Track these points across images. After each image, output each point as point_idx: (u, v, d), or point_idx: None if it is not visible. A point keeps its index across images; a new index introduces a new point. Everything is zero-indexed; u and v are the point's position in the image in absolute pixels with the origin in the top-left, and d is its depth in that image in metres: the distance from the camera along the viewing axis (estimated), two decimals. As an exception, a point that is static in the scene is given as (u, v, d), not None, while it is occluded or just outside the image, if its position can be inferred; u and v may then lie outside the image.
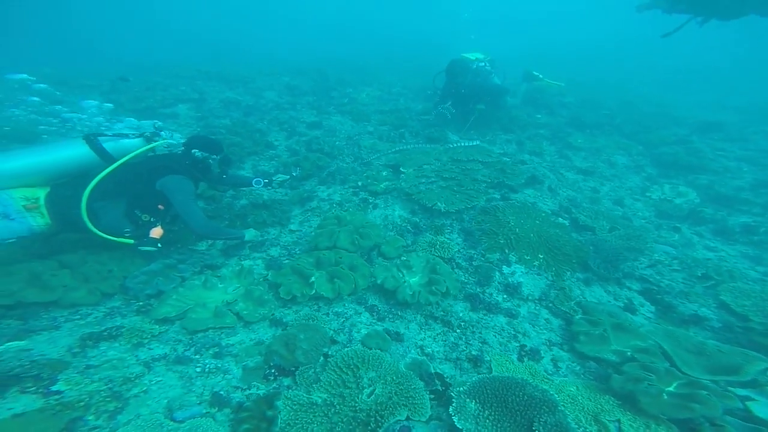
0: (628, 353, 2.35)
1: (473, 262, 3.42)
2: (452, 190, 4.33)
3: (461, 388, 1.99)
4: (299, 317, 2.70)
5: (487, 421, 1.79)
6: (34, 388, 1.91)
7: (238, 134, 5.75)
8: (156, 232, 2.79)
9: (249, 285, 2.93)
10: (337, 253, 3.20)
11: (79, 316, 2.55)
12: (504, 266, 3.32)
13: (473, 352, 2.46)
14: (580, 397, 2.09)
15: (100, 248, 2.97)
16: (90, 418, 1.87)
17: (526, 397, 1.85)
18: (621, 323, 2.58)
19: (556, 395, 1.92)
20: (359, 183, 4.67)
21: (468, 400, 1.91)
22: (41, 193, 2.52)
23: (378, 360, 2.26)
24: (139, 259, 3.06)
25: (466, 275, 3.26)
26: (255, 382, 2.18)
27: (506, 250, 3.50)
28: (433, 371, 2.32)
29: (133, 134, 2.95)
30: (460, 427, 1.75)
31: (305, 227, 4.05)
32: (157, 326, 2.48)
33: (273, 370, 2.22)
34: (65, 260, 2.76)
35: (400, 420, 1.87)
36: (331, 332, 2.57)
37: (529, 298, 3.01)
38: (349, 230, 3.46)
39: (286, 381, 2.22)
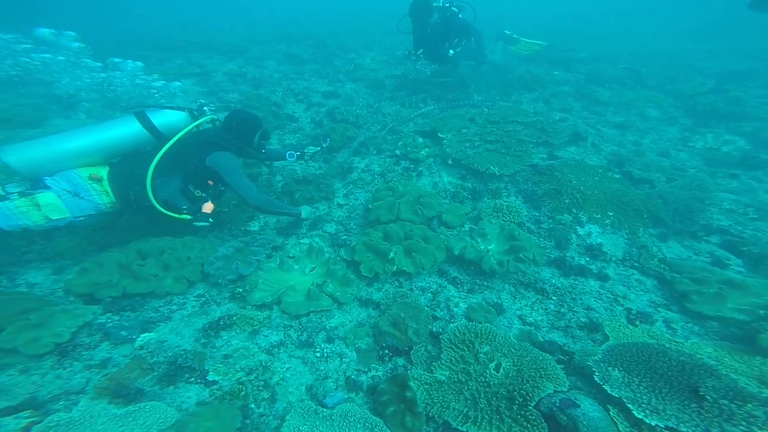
0: (760, 312, 2.26)
1: (542, 225, 3.28)
2: (500, 153, 4.12)
3: (595, 357, 1.88)
4: (387, 295, 2.57)
5: (641, 387, 1.70)
6: (193, 379, 1.95)
7: (255, 108, 5.30)
8: (208, 206, 2.73)
9: (325, 264, 2.77)
10: (403, 226, 3.00)
11: (176, 306, 2.49)
12: (577, 227, 3.19)
13: (582, 319, 2.36)
14: (727, 359, 2.01)
15: (162, 233, 2.95)
16: (252, 406, 1.87)
17: (674, 362, 1.76)
18: (731, 280, 2.49)
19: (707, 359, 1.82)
20: (397, 152, 4.40)
21: (609, 368, 1.80)
22: (104, 172, 2.55)
23: (489, 333, 2.15)
24: (209, 244, 2.93)
25: (541, 239, 3.12)
26: (373, 364, 2.11)
27: (574, 210, 3.36)
28: (542, 340, 2.21)
29: (177, 107, 2.84)
30: (618, 396, 1.65)
31: (351, 200, 3.82)
32: (259, 312, 2.39)
33: (387, 351, 2.14)
34: (142, 249, 2.70)
35: (554, 393, 1.75)
36: (427, 308, 2.42)
37: (612, 259, 2.91)
38: (408, 201, 3.25)
39: (401, 361, 2.14)
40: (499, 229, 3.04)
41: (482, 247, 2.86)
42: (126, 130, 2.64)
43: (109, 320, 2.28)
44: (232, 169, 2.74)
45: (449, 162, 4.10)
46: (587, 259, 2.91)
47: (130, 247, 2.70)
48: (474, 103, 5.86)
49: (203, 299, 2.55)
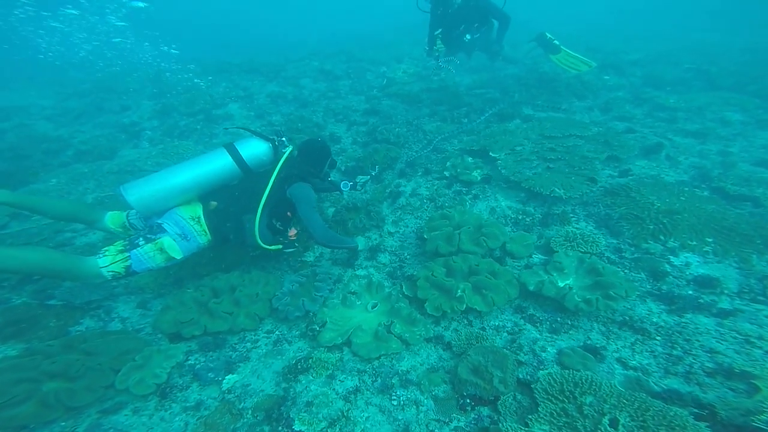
0: None
1: (625, 255, 2.87)
2: (563, 172, 3.73)
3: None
4: (459, 336, 2.34)
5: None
6: (281, 428, 1.92)
7: (299, 130, 5.29)
8: (292, 233, 2.86)
9: (387, 300, 2.60)
10: (466, 259, 2.73)
11: (250, 343, 2.54)
12: (670, 256, 2.75)
13: (707, 364, 1.97)
14: None
15: (229, 264, 3.13)
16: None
17: None
18: None
19: None
20: (446, 173, 4.13)
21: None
22: (200, 211, 2.67)
23: (591, 382, 1.83)
24: (273, 279, 2.95)
25: (628, 272, 2.71)
26: (454, 414, 1.92)
27: (662, 237, 2.92)
28: (658, 389, 1.86)
29: (260, 134, 2.90)
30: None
31: (401, 227, 3.59)
32: (331, 354, 2.32)
33: (468, 400, 1.94)
34: (215, 286, 2.78)
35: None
36: (509, 352, 2.12)
37: (725, 292, 2.45)
38: (469, 231, 2.97)
39: (485, 411, 1.91)
40: (577, 261, 2.67)
41: (561, 284, 2.51)
42: (218, 164, 2.69)
43: (196, 361, 2.39)
44: (307, 202, 2.77)
45: (505, 184, 3.77)
46: (691, 293, 2.47)
47: (204, 284, 2.81)
48: (524, 116, 5.50)
49: (274, 336, 2.58)
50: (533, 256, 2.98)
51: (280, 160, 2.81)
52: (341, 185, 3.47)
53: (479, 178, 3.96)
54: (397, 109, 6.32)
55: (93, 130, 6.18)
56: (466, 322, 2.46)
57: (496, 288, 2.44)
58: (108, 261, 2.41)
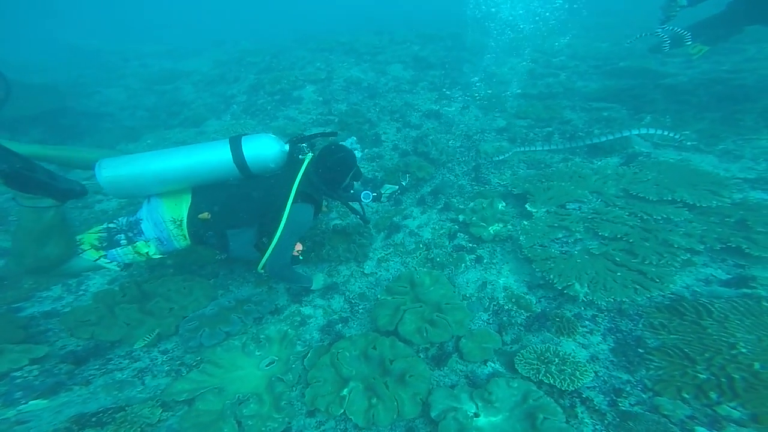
0: None
1: (620, 404, 1.93)
2: (612, 262, 2.63)
3: None
4: None
5: None
6: None
7: (348, 125, 5.12)
8: (297, 246, 2.60)
9: (285, 365, 2.38)
10: (393, 347, 2.26)
11: (113, 365, 2.42)
12: (701, 429, 1.73)
13: None
14: None
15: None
16: None
17: None
18: None
19: None
20: (461, 217, 3.42)
21: None
22: (184, 215, 2.41)
23: None
24: (207, 294, 2.88)
25: (603, 445, 1.83)
26: None
27: (711, 394, 1.83)
28: None
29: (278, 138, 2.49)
30: None
31: (382, 270, 3.19)
32: (162, 410, 2.10)
33: None
34: (145, 289, 2.78)
35: None
36: None
37: None
38: (418, 312, 2.44)
39: None
40: (521, 397, 1.92)
41: (479, 421, 1.86)
42: (214, 158, 2.31)
43: (28, 373, 2.18)
44: (293, 227, 2.40)
45: (522, 255, 2.90)
46: None
47: (130, 284, 2.76)
48: (629, 153, 3.99)
49: (145, 361, 2.44)
50: (488, 363, 2.28)
51: (297, 169, 2.43)
52: (362, 196, 2.95)
53: (493, 235, 3.15)
54: (468, 115, 5.46)
55: (207, 98, 7.34)
56: (341, 429, 2.06)
57: (389, 400, 1.96)
58: (94, 256, 2.36)
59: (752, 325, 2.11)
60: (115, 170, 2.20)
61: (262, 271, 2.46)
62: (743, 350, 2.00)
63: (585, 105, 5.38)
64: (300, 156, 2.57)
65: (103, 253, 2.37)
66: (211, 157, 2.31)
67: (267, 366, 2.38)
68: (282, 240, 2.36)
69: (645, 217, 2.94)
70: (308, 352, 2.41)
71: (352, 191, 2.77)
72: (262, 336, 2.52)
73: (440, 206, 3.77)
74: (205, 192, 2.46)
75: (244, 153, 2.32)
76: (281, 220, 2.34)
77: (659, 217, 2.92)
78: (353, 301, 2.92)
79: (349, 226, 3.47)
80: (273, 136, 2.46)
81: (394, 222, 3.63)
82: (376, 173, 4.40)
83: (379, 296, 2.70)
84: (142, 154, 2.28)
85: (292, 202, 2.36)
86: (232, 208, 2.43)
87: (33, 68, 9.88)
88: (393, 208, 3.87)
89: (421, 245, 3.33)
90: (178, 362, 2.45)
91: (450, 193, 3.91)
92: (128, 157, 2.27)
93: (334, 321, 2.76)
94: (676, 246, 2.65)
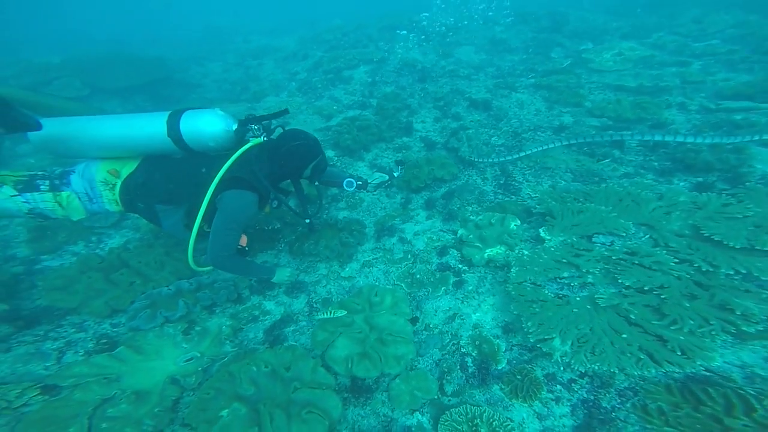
0: None
1: None
2: (623, 318, 1.93)
3: None
4: None
5: None
6: None
7: (385, 110, 4.76)
8: (243, 240, 2.41)
9: (199, 363, 2.23)
10: (314, 372, 1.99)
11: (56, 334, 2.37)
12: None
13: None
14: None
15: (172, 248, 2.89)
16: None
17: None
18: None
19: None
20: (459, 231, 2.91)
21: None
22: (125, 171, 2.32)
23: None
24: (183, 271, 2.74)
25: None
26: None
27: None
28: None
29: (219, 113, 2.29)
30: None
31: (362, 278, 2.88)
32: (38, 394, 1.94)
33: None
34: (125, 258, 2.73)
35: None
36: None
37: None
38: (355, 337, 2.13)
39: None
40: None
41: None
42: (149, 129, 2.20)
43: None
44: (230, 215, 2.22)
45: (511, 290, 2.32)
46: None
47: (120, 252, 2.76)
48: (742, 171, 2.88)
49: (75, 341, 2.34)
50: (416, 414, 1.91)
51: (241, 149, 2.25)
52: (344, 184, 2.76)
53: (486, 260, 2.60)
54: (527, 109, 4.59)
55: (277, 74, 7.72)
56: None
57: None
58: (10, 192, 2.18)
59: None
60: (50, 129, 2.15)
61: (195, 266, 2.32)
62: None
63: (709, 104, 4.02)
64: (249, 138, 2.35)
65: (17, 193, 2.21)
66: (145, 127, 2.20)
67: (185, 362, 2.23)
68: (218, 228, 2.18)
69: (706, 269, 2.04)
70: (227, 356, 2.27)
71: (291, 190, 2.54)
72: (197, 328, 2.40)
73: (445, 214, 3.27)
74: (151, 162, 2.34)
75: (181, 128, 2.17)
76: (202, 205, 2.16)
77: (731, 271, 2.00)
78: (314, 305, 2.73)
79: (343, 221, 3.26)
80: (221, 113, 2.24)
81: (394, 224, 3.29)
82: (390, 166, 4.02)
83: (330, 309, 2.45)
84: (81, 118, 2.23)
85: (228, 188, 2.18)
86: (161, 182, 2.26)
87: (163, 42, 11.69)
88: (400, 207, 3.52)
89: (409, 256, 2.94)
90: (105, 341, 2.35)
91: (467, 199, 3.36)
92: (67, 119, 2.22)
93: (285, 323, 2.60)
94: (739, 312, 1.79)
